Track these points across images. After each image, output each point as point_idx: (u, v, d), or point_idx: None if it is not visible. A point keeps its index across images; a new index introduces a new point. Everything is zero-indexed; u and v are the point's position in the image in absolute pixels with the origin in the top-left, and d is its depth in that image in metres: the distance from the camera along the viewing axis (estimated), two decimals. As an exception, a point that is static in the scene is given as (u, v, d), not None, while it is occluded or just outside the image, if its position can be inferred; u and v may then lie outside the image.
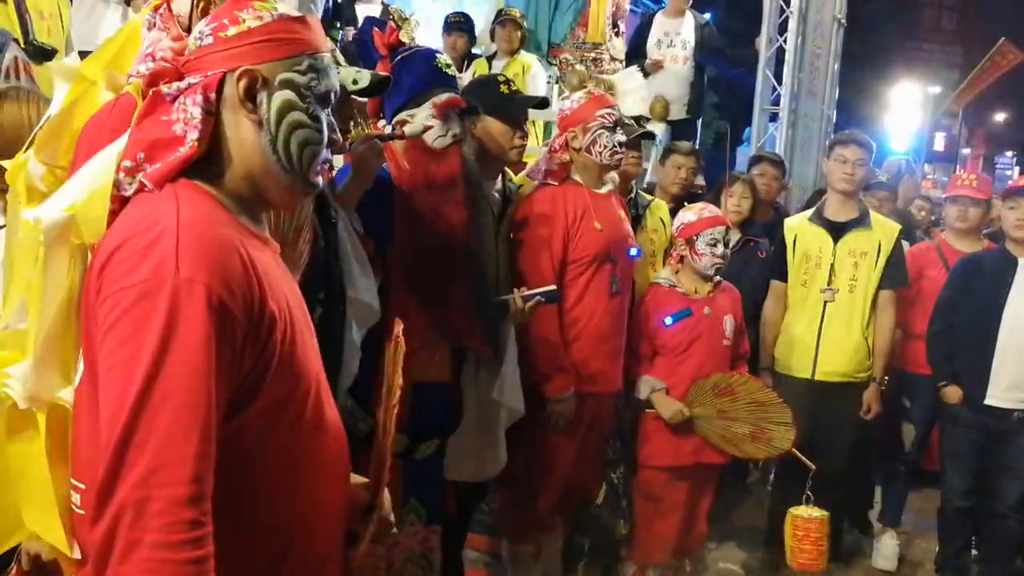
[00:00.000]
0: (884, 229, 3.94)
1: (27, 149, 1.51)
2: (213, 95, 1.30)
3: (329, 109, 1.38)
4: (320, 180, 1.40)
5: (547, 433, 3.12)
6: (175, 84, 1.32)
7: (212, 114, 1.30)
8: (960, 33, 32.53)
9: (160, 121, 1.31)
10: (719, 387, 3.42)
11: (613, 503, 3.33)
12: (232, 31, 1.31)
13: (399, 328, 1.54)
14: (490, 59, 5.76)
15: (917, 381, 4.25)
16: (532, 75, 5.58)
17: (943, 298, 3.97)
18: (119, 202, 1.30)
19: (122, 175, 1.30)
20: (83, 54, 3.76)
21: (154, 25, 1.69)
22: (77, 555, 1.32)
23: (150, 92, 1.33)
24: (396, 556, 2.66)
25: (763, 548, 4.18)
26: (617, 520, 3.33)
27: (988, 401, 3.75)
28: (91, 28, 4.40)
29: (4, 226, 1.97)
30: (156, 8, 1.71)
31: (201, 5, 1.73)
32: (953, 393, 3.86)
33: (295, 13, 1.36)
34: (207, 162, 1.31)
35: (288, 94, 1.32)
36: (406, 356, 2.56)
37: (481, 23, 6.51)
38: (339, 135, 1.42)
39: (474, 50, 6.02)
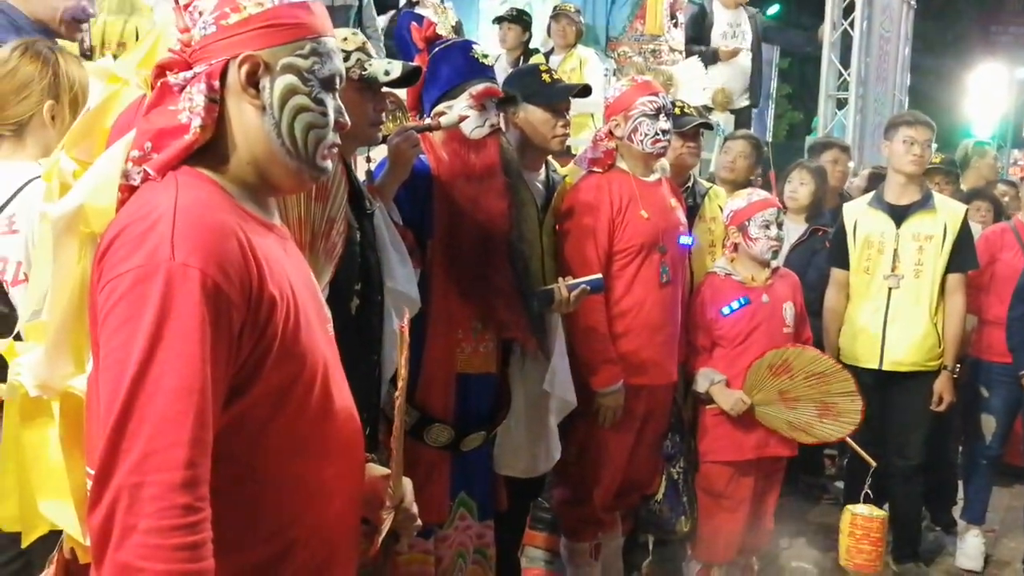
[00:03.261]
0: (949, 211, 3.79)
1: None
2: (216, 82, 1.30)
3: (335, 93, 1.37)
4: (328, 164, 1.39)
5: (599, 427, 3.07)
6: (181, 74, 1.32)
7: (216, 101, 1.30)
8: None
9: (167, 111, 1.32)
10: (774, 366, 3.30)
11: (672, 499, 3.25)
12: (233, 18, 1.31)
13: (404, 318, 1.52)
14: (547, 55, 5.74)
15: (995, 369, 4.07)
16: (590, 69, 5.55)
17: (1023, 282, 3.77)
18: (127, 191, 1.31)
19: (130, 165, 1.31)
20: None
21: None
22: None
23: (157, 83, 1.34)
24: (445, 552, 2.64)
25: (838, 547, 4.04)
26: (677, 517, 3.24)
27: None
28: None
29: None
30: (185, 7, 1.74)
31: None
32: (1036, 382, 3.67)
33: None
34: (212, 149, 1.31)
35: (290, 78, 1.31)
36: (449, 347, 2.61)
37: (544, 20, 6.52)
38: (346, 118, 1.40)
39: (533, 44, 6.01)
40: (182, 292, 1.14)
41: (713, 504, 3.41)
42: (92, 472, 1.27)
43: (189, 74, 1.32)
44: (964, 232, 3.75)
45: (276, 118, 1.31)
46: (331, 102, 1.36)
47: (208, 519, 1.14)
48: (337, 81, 1.37)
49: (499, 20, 5.76)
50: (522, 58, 5.68)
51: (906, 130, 3.84)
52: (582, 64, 5.58)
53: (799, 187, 4.40)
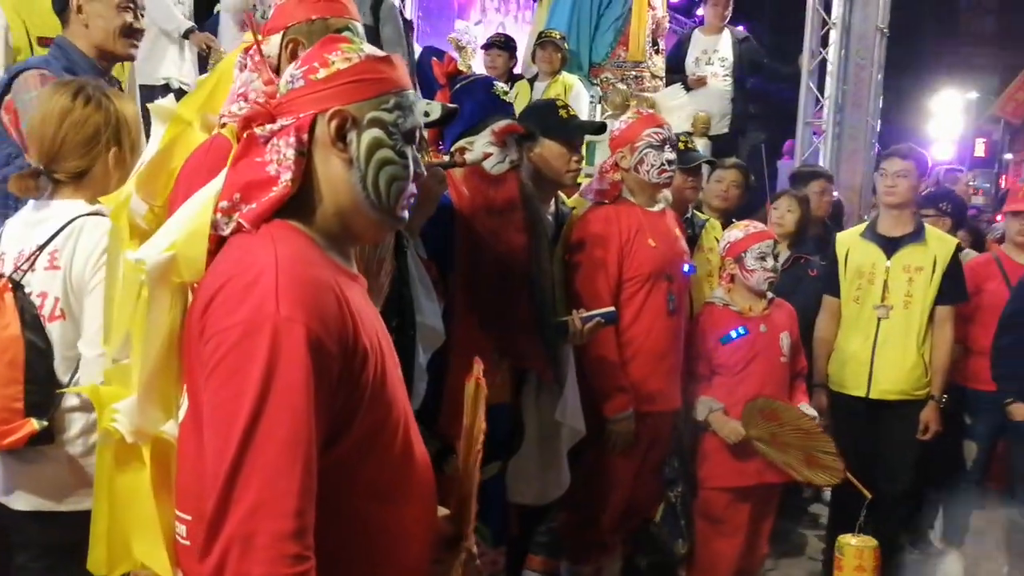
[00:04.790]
0: (940, 243, 3.88)
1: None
2: (305, 136, 1.33)
3: (415, 145, 1.41)
4: (406, 215, 1.43)
5: (607, 453, 3.13)
6: (268, 126, 1.36)
7: (304, 155, 1.33)
8: (998, 36, 32.11)
9: (254, 163, 1.35)
10: (764, 411, 3.38)
11: (671, 522, 3.32)
12: (322, 73, 1.34)
13: (479, 368, 1.55)
14: (532, 80, 5.80)
15: (979, 398, 4.16)
16: (574, 95, 5.59)
17: (1009, 312, 3.89)
18: (216, 242, 1.34)
19: (219, 215, 1.34)
20: (143, 88, 3.88)
21: (245, 66, 1.76)
22: None
23: (244, 135, 1.37)
24: (464, 579, 2.67)
25: (823, 568, 4.13)
26: (675, 539, 3.31)
27: None
28: (153, 64, 4.53)
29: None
30: (247, 50, 1.77)
31: (289, 47, 1.78)
32: (1020, 410, 3.79)
33: (380, 53, 1.39)
34: (298, 201, 1.34)
35: (377, 132, 1.35)
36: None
37: (523, 45, 6.59)
38: (423, 170, 1.45)
39: (515, 70, 6.08)
40: (288, 345, 1.17)
41: (711, 530, 3.48)
42: (184, 516, 1.30)
43: (276, 126, 1.35)
44: (954, 265, 3.85)
45: (363, 171, 1.35)
46: (411, 154, 1.40)
47: (314, 567, 1.17)
48: (417, 134, 1.41)
49: (488, 47, 5.81)
50: (508, 83, 5.73)
51: (882, 163, 4.00)
52: (567, 90, 5.63)
53: (786, 214, 4.49)
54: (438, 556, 1.50)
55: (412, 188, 1.41)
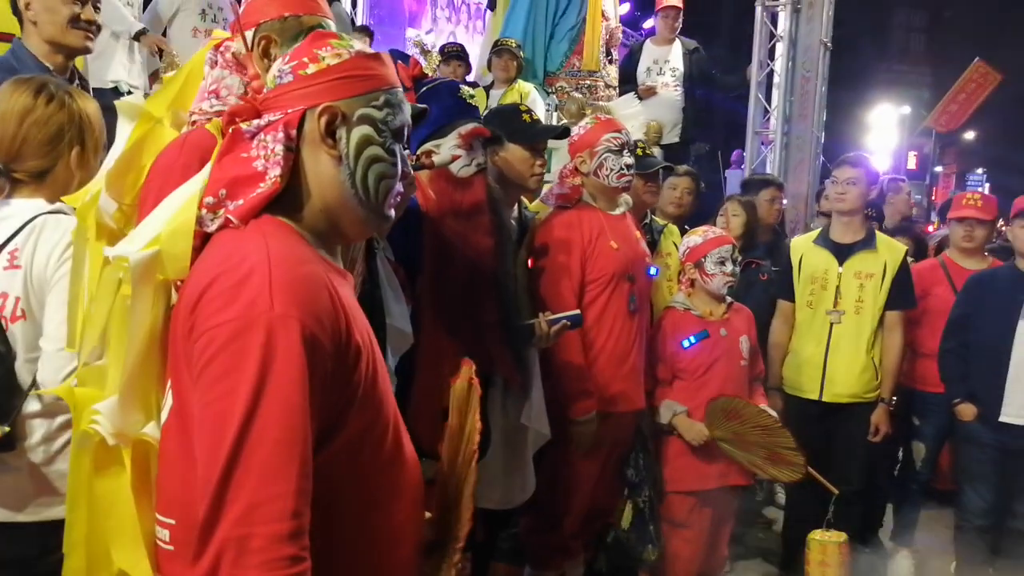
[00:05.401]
0: (890, 250, 3.98)
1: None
2: (294, 131, 1.31)
3: (403, 144, 1.40)
4: (393, 213, 1.41)
5: (570, 456, 3.14)
6: (254, 122, 1.33)
7: (293, 150, 1.31)
8: (929, 54, 33.22)
9: (240, 158, 1.32)
10: (727, 410, 3.43)
11: (639, 528, 3.33)
12: (312, 69, 1.33)
13: (470, 368, 1.54)
14: (488, 88, 5.81)
15: (926, 399, 4.27)
16: (531, 102, 5.62)
17: (955, 316, 4.00)
18: (200, 238, 1.31)
19: (204, 211, 1.31)
20: (95, 91, 3.79)
21: (216, 63, 1.72)
22: None
23: (229, 130, 1.34)
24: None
25: (779, 570, 4.19)
26: (645, 545, 3.32)
27: (1003, 418, 3.77)
28: (101, 66, 4.41)
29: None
30: (217, 47, 1.74)
31: (261, 44, 1.76)
32: (967, 411, 3.89)
33: (370, 50, 1.38)
34: (286, 197, 1.32)
35: (366, 129, 1.33)
36: (437, 382, 2.61)
37: (476, 53, 6.60)
38: (410, 168, 1.44)
39: (468, 78, 6.08)
40: (283, 343, 1.15)
41: (674, 533, 3.50)
42: (166, 520, 1.26)
43: (263, 122, 1.33)
44: (903, 272, 3.94)
45: (351, 168, 1.33)
46: (399, 152, 1.39)
47: (310, 569, 1.14)
48: (405, 132, 1.40)
49: (447, 57, 5.80)
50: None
51: (833, 170, 4.11)
52: (523, 97, 5.66)
53: (732, 218, 4.57)
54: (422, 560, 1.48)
55: (400, 187, 1.40)
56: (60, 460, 1.96)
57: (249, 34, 1.88)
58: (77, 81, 2.80)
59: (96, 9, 2.73)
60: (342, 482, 1.27)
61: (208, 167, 1.36)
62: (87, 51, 2.77)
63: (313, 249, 1.31)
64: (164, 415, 1.29)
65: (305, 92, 1.32)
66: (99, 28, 2.77)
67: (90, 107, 2.08)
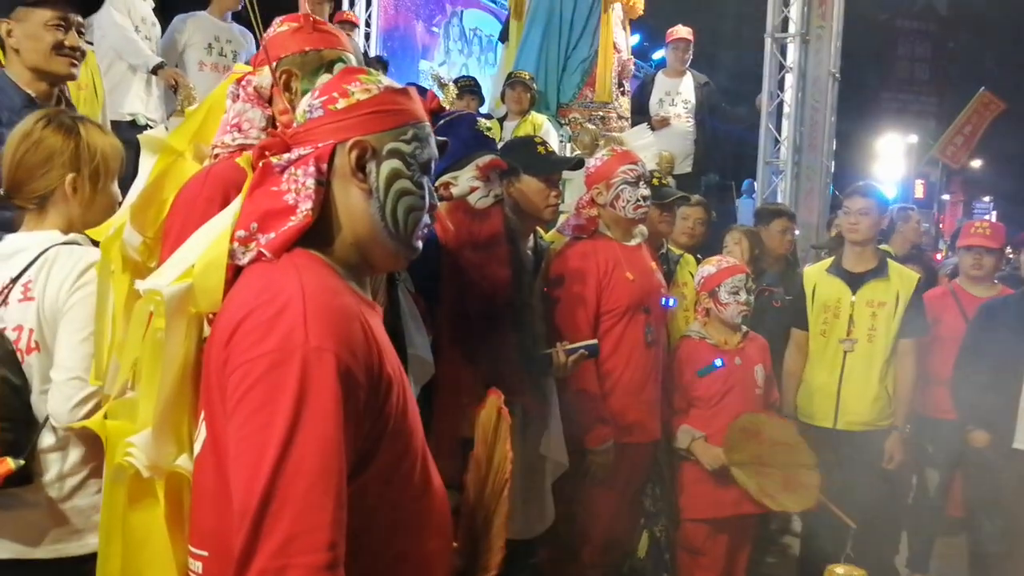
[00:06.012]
0: (902, 279, 3.99)
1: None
2: (325, 165, 1.34)
3: (429, 176, 1.43)
4: (420, 245, 1.44)
5: (588, 486, 3.14)
6: (284, 156, 1.36)
7: (323, 184, 1.34)
8: (934, 84, 33.40)
9: (271, 192, 1.35)
10: (747, 429, 3.43)
11: (655, 557, 3.32)
12: (342, 104, 1.35)
13: (498, 398, 1.55)
14: (501, 120, 5.86)
15: (938, 426, 4.26)
16: (544, 133, 5.67)
17: (967, 343, 4.00)
18: (232, 271, 1.33)
19: (236, 245, 1.33)
20: (113, 124, 3.84)
21: (238, 96, 1.76)
22: None
23: (260, 164, 1.37)
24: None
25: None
26: (660, 574, 3.31)
27: (1016, 445, 3.75)
28: (118, 98, 4.48)
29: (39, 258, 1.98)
30: (239, 81, 1.78)
31: (283, 78, 1.79)
32: (980, 438, 3.88)
33: (398, 85, 1.41)
34: (316, 230, 1.34)
35: (396, 163, 1.36)
36: (456, 413, 2.64)
37: (488, 86, 6.67)
38: (436, 200, 1.46)
39: (481, 110, 6.14)
40: (319, 375, 1.16)
41: (691, 561, 3.49)
42: (199, 552, 1.27)
43: (293, 156, 1.36)
44: (916, 300, 3.95)
45: (381, 201, 1.35)
46: (427, 185, 1.41)
47: None
48: (432, 165, 1.43)
49: (462, 93, 5.86)
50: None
51: (846, 201, 4.12)
52: (536, 129, 5.71)
53: (733, 247, 4.59)
54: None
55: (427, 219, 1.43)
56: (77, 496, 1.97)
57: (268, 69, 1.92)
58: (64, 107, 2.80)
59: (80, 35, 2.71)
60: (373, 512, 1.28)
61: (238, 201, 1.38)
62: (72, 78, 2.73)
63: (344, 281, 1.33)
64: (197, 447, 1.30)
65: (335, 127, 1.35)
66: (83, 54, 2.73)
67: (97, 138, 2.08)
